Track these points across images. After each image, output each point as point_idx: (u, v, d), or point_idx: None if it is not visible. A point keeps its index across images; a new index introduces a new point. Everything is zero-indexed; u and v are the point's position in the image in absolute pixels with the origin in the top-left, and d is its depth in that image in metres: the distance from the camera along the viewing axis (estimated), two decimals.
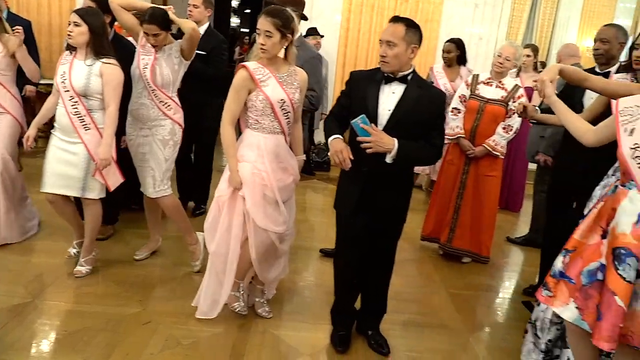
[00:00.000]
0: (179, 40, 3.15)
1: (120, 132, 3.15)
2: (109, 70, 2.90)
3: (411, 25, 2.34)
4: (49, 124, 3.15)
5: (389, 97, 2.38)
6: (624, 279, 1.82)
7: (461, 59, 5.09)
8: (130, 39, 3.50)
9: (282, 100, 2.59)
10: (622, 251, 1.84)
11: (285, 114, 2.63)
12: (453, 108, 3.92)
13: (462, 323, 3.09)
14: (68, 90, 2.91)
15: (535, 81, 2.59)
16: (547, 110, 2.92)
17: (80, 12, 2.89)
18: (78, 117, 2.92)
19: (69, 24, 2.87)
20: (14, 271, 3.13)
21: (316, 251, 3.87)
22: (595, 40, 3.14)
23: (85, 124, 2.93)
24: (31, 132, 3.06)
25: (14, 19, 3.81)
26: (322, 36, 6.22)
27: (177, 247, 3.64)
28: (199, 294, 2.82)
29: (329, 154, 2.36)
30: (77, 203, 3.25)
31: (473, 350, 2.83)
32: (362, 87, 2.43)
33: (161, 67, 3.08)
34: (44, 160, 3.01)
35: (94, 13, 2.95)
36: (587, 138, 2.14)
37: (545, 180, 3.96)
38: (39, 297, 2.87)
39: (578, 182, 2.83)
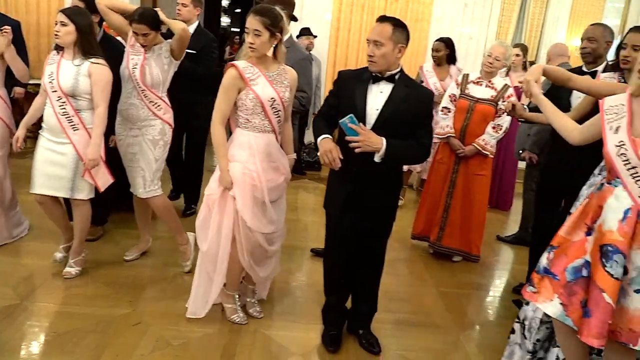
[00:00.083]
0: (169, 40, 3.13)
1: (109, 131, 3.13)
2: (98, 70, 2.89)
3: (398, 25, 2.35)
4: (37, 125, 3.12)
5: (377, 96, 2.39)
6: (612, 275, 1.84)
7: (451, 58, 5.10)
8: (119, 38, 3.48)
9: (272, 98, 2.59)
10: (609, 248, 1.86)
11: (276, 113, 2.63)
12: (443, 107, 3.94)
13: (453, 321, 3.10)
14: (56, 91, 2.89)
15: (520, 82, 2.61)
16: (535, 109, 2.94)
17: (67, 12, 2.87)
18: (66, 117, 2.90)
19: (56, 24, 2.85)
20: (2, 273, 3.10)
21: (307, 251, 3.87)
22: (582, 39, 3.16)
23: (74, 124, 2.91)
24: (20, 132, 3.04)
25: (3, 19, 3.74)
26: (315, 36, 6.22)
27: (167, 247, 3.63)
28: (192, 296, 2.81)
29: (318, 154, 2.35)
30: (67, 204, 3.24)
31: (464, 348, 2.84)
32: (350, 87, 2.43)
33: (151, 67, 3.07)
34: (33, 161, 2.99)
35: (81, 12, 2.93)
36: (574, 137, 2.16)
37: (534, 177, 3.98)
38: (28, 298, 2.86)
39: (565, 181, 2.86)
